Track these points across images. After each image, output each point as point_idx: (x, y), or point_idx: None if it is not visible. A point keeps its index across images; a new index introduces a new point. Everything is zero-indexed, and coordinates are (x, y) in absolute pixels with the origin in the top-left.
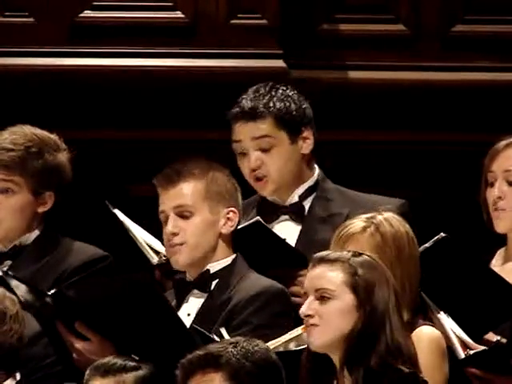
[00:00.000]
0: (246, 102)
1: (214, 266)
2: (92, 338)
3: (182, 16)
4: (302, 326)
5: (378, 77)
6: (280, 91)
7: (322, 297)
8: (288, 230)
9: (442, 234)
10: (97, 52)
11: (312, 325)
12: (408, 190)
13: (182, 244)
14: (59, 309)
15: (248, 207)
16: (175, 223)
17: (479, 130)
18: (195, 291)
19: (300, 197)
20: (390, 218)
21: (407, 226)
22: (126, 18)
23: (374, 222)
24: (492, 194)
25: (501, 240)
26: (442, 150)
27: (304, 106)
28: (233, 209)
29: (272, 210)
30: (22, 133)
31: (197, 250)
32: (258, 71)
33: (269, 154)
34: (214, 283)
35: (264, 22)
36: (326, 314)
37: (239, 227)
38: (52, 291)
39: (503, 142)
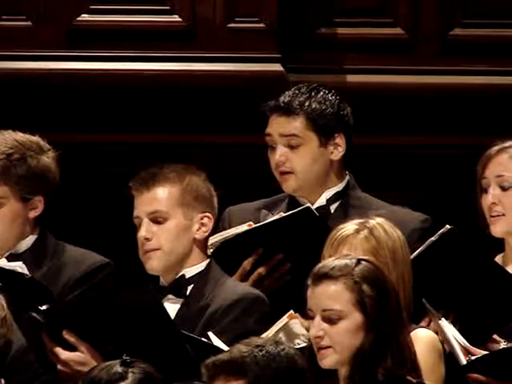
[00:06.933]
0: (285, 96)
1: (188, 271)
2: (80, 348)
3: (180, 20)
4: (287, 314)
5: (376, 80)
6: (320, 93)
7: (330, 318)
8: None
9: (447, 226)
10: (94, 56)
11: (323, 346)
12: (406, 193)
13: (155, 249)
14: (49, 323)
15: (277, 203)
16: (148, 228)
17: (478, 133)
18: (170, 296)
19: (328, 200)
20: (382, 223)
21: (398, 231)
22: (124, 22)
23: (368, 226)
24: (486, 200)
25: (497, 245)
26: (440, 153)
27: (342, 113)
28: (207, 214)
29: None
30: (3, 140)
31: (171, 255)
32: (256, 75)
33: (296, 151)
34: (189, 288)
35: (262, 25)
36: (337, 335)
37: (284, 215)
38: (44, 307)
39: (494, 148)
